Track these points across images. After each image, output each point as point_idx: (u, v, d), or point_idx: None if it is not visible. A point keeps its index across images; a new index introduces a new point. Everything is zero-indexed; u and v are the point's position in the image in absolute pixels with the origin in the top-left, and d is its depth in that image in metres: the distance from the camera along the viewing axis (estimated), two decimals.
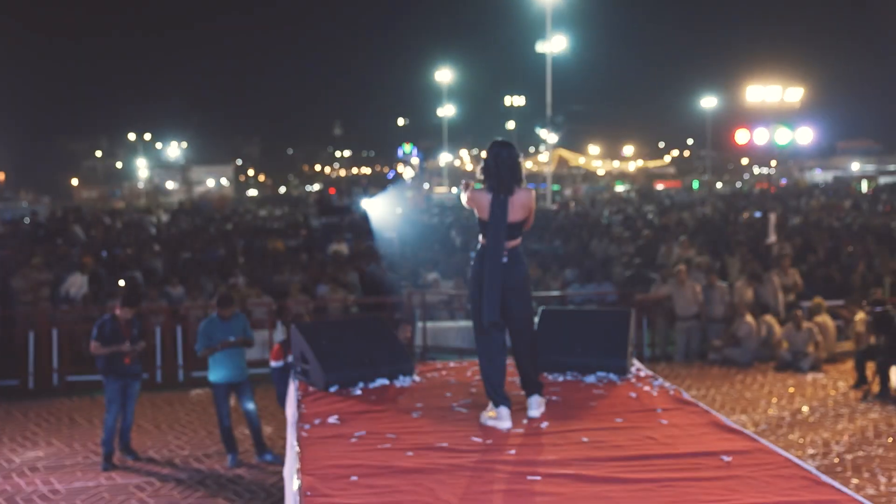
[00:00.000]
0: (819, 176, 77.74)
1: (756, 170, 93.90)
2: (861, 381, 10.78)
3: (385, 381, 5.70)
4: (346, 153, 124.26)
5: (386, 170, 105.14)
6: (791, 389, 10.84)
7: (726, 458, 4.20)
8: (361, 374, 5.66)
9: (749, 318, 12.10)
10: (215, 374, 8.45)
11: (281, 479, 8.08)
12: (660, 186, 68.00)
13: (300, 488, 3.93)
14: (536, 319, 5.71)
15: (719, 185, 72.90)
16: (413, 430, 4.82)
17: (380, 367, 5.75)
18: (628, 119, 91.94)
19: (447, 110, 56.72)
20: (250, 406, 8.57)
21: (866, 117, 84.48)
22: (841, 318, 12.86)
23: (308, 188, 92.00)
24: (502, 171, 4.80)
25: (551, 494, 3.85)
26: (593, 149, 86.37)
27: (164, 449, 9.10)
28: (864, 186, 61.22)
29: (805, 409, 10.01)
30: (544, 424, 4.87)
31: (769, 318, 12.20)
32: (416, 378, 5.86)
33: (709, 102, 67.22)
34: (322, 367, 5.53)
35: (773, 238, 14.31)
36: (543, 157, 72.89)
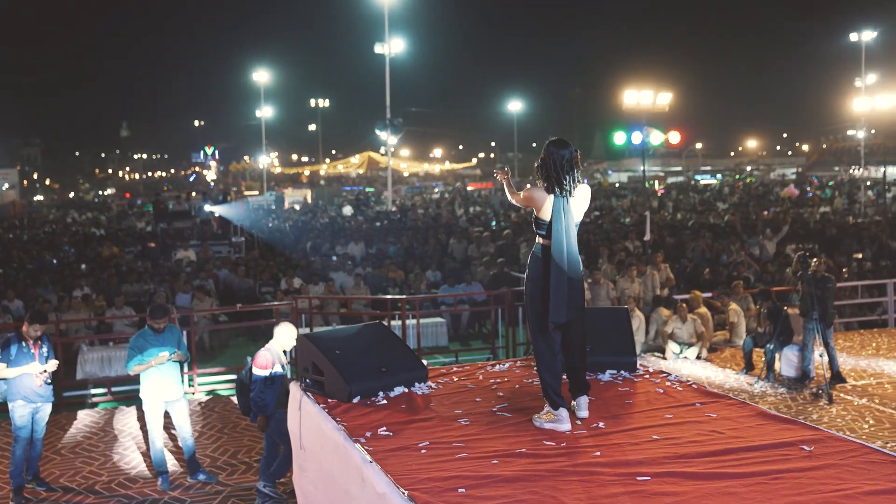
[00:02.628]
0: (613, 177, 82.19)
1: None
2: (749, 367, 11.45)
3: (403, 389, 5.49)
4: (143, 156, 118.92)
5: (186, 173, 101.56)
6: (687, 379, 11.32)
7: (807, 448, 4.32)
8: (381, 383, 5.42)
9: (638, 312, 12.56)
10: (148, 392, 7.75)
11: (226, 499, 7.61)
12: (470, 188, 69.58)
13: None
14: None
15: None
16: (474, 437, 4.66)
17: (396, 374, 5.52)
18: (440, 122, 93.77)
19: (265, 112, 55.39)
20: (185, 424, 7.95)
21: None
22: (713, 310, 13.60)
23: (101, 193, 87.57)
24: (561, 173, 4.72)
25: (675, 494, 3.81)
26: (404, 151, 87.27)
27: (77, 476, 8.27)
28: (657, 186, 65.54)
29: None
30: (601, 424, 4.84)
31: (662, 310, 12.70)
32: (432, 384, 5.66)
33: (515, 106, 69.78)
34: (344, 379, 5.24)
35: (648, 235, 14.98)
36: (356, 159, 72.94)
